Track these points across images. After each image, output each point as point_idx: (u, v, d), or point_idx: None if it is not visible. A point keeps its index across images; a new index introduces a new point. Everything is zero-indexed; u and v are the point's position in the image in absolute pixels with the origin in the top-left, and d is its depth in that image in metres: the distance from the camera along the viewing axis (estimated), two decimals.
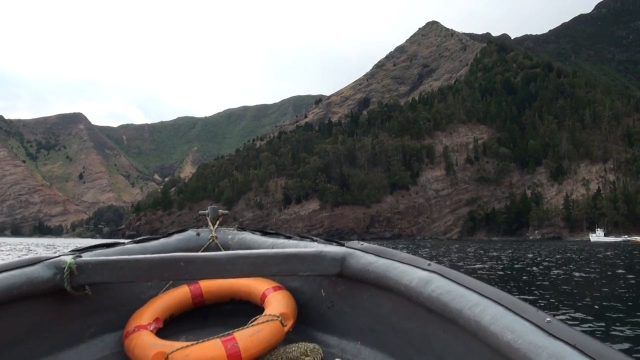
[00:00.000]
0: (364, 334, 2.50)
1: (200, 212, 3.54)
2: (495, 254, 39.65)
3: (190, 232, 3.38)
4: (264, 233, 3.35)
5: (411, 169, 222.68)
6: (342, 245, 2.70)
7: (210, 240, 3.29)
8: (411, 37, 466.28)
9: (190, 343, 2.28)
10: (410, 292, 2.14)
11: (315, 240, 2.95)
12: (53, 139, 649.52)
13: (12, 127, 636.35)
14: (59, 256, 2.54)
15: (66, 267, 2.44)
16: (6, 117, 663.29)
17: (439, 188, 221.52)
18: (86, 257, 2.60)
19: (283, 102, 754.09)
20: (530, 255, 35.79)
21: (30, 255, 2.52)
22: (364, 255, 2.48)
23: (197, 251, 3.09)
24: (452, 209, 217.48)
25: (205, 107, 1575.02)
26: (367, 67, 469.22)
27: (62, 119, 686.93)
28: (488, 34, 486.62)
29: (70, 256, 2.53)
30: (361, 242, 2.61)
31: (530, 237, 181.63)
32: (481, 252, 44.79)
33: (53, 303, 2.47)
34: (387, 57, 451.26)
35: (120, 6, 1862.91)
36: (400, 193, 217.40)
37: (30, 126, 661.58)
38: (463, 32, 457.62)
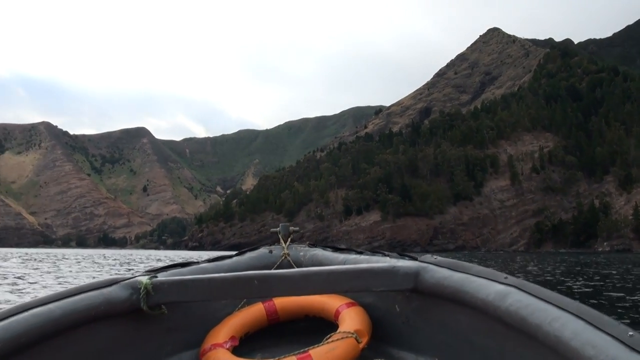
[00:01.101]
0: (441, 350, 2.45)
1: (272, 229, 3.53)
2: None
3: (263, 250, 3.39)
4: (335, 249, 3.29)
5: (475, 179, 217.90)
6: (415, 259, 2.65)
7: (283, 258, 3.28)
8: (472, 44, 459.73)
9: None
10: (488, 306, 2.09)
11: (388, 255, 2.88)
12: (117, 153, 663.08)
13: (77, 142, 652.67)
14: (135, 277, 2.60)
15: (142, 287, 2.49)
16: (71, 132, 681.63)
17: (503, 198, 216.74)
18: (162, 277, 2.65)
19: (343, 113, 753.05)
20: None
21: (107, 277, 2.61)
22: (438, 270, 2.44)
23: (270, 269, 3.09)
24: (518, 219, 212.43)
25: (265, 119, 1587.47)
26: (428, 76, 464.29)
27: (126, 133, 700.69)
28: (551, 39, 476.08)
29: (146, 276, 2.59)
30: (435, 256, 2.57)
31: (599, 249, 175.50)
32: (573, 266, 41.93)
33: (130, 322, 2.53)
34: (447, 65, 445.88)
35: (178, 22, 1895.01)
36: (463, 204, 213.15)
37: (95, 141, 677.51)
38: (525, 37, 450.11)
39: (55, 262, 36.99)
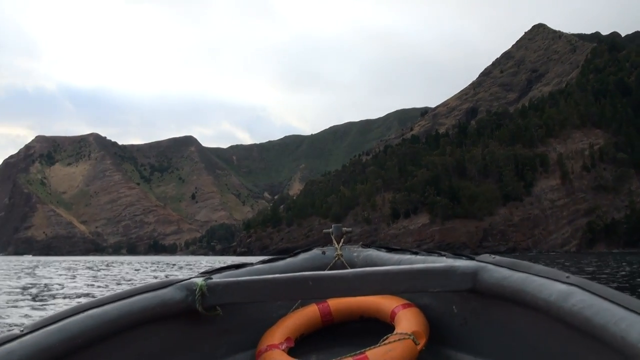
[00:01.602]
0: (501, 353, 2.36)
1: (325, 230, 3.48)
2: None
3: (316, 251, 3.33)
4: (390, 249, 3.22)
5: (524, 179, 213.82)
6: (473, 259, 2.56)
7: (336, 259, 3.22)
8: (517, 41, 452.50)
9: None
10: (550, 306, 2.00)
11: (444, 255, 2.82)
12: (166, 162, 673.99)
13: (126, 152, 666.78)
14: (190, 278, 2.60)
15: (197, 289, 2.50)
16: (120, 143, 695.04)
17: (554, 198, 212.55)
18: (216, 278, 2.66)
19: (388, 116, 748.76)
20: None
21: (163, 279, 2.64)
22: (497, 269, 2.34)
23: (324, 270, 3.03)
24: (570, 219, 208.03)
25: (310, 125, 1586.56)
26: (473, 76, 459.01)
27: (174, 142, 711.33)
28: (597, 33, 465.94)
29: (201, 278, 2.59)
30: (493, 256, 2.47)
31: None
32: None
33: (185, 324, 2.54)
34: (493, 64, 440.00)
35: (219, 30, 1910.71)
36: (513, 204, 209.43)
37: (144, 150, 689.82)
38: (571, 32, 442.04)
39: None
